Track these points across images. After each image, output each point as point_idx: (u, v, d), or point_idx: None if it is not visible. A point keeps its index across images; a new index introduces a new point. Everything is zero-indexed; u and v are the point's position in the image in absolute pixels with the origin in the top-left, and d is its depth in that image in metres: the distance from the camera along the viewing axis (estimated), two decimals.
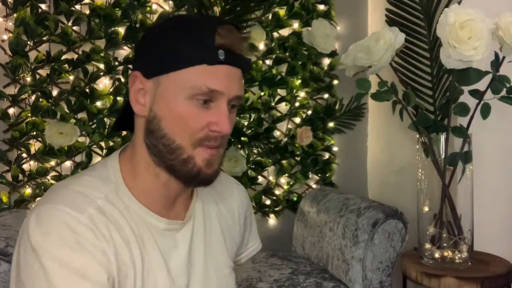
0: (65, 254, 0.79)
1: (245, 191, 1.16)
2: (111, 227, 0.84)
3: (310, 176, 2.53)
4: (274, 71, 2.40)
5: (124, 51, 2.14)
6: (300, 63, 2.44)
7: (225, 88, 0.86)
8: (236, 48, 0.87)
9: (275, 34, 2.41)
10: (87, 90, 2.07)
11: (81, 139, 2.07)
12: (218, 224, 1.04)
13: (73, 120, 2.05)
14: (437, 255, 1.78)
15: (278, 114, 2.45)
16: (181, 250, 0.93)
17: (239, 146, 2.34)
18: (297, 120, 2.48)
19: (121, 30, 2.11)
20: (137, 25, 2.12)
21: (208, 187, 0.95)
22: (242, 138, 2.34)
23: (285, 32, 2.44)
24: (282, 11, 2.40)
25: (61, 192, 0.86)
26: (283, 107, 2.46)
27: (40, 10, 2.00)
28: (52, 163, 2.05)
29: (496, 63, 1.72)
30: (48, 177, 2.04)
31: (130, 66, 2.12)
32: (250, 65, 0.91)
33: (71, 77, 2.06)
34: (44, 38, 2.01)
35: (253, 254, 1.20)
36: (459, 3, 1.84)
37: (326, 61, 2.53)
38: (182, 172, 0.88)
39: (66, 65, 2.04)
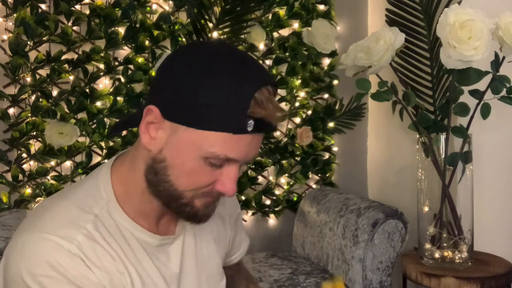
0: None
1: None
2: (101, 252, 0.82)
3: (310, 176, 2.53)
4: (274, 71, 2.40)
5: (124, 51, 2.14)
6: (300, 63, 2.44)
7: (244, 156, 0.82)
8: (269, 120, 0.80)
9: (275, 34, 2.41)
10: (87, 90, 2.07)
11: (81, 139, 2.07)
12: (209, 233, 1.02)
13: (73, 120, 2.05)
14: (437, 255, 1.78)
15: None
16: (173, 262, 0.93)
17: None
18: (297, 120, 2.48)
19: (121, 30, 2.11)
20: (137, 25, 2.12)
21: None
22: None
23: (285, 32, 2.44)
24: (282, 11, 2.40)
25: (47, 216, 0.83)
26: (283, 107, 2.46)
27: (40, 10, 2.00)
28: (52, 163, 2.05)
29: (496, 63, 1.71)
30: (48, 177, 2.04)
31: (131, 66, 2.12)
32: (275, 128, 0.85)
33: (71, 77, 2.06)
34: (44, 38, 2.01)
35: (244, 253, 1.20)
36: (459, 3, 1.84)
37: (326, 61, 2.53)
38: (178, 210, 0.86)
39: (66, 65, 2.04)
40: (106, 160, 2.10)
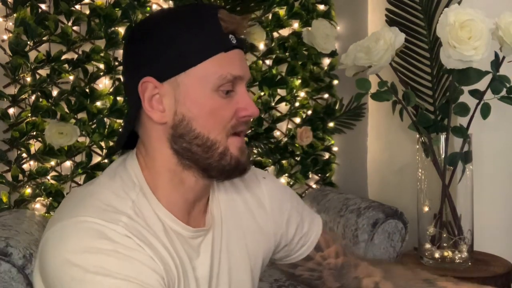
0: (113, 265, 0.74)
1: (277, 185, 1.07)
2: (146, 233, 0.80)
3: (310, 176, 2.53)
4: (274, 71, 2.40)
5: None
6: (300, 63, 2.44)
7: (244, 71, 0.86)
8: (241, 31, 0.87)
9: (275, 34, 2.41)
10: (87, 90, 2.07)
11: (81, 139, 2.07)
12: (240, 227, 0.97)
13: (73, 120, 2.05)
14: (437, 255, 1.78)
15: (278, 114, 2.45)
16: (202, 260, 0.88)
17: None
18: (297, 120, 2.48)
19: (121, 30, 2.11)
20: None
21: (232, 187, 0.96)
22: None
23: (285, 32, 2.44)
24: (282, 11, 2.40)
25: (85, 204, 0.80)
26: (283, 107, 2.46)
27: (40, 10, 1.99)
28: (52, 163, 2.05)
29: (496, 63, 1.71)
30: (48, 177, 2.04)
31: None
32: (246, 45, 0.94)
33: (71, 77, 2.06)
34: (44, 38, 2.01)
35: (320, 233, 1.08)
36: (459, 3, 1.84)
37: (326, 61, 2.53)
38: (219, 167, 0.85)
39: (66, 65, 2.04)
40: (106, 160, 2.10)
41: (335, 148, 2.59)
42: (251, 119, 0.87)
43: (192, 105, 0.82)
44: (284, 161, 2.45)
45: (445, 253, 1.78)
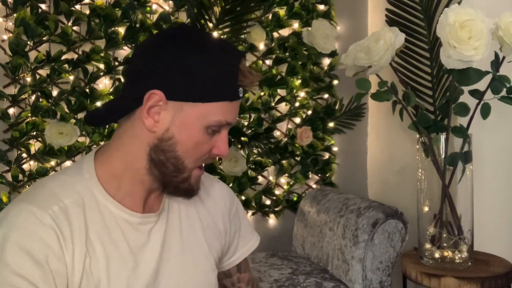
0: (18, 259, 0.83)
1: (228, 188, 1.17)
2: (80, 223, 0.88)
3: (310, 176, 2.53)
4: (274, 71, 2.40)
5: (124, 51, 2.14)
6: (300, 63, 2.44)
7: (235, 119, 0.95)
8: (251, 87, 0.96)
9: (275, 34, 2.41)
10: (87, 90, 2.07)
11: (81, 139, 2.07)
12: (199, 222, 1.05)
13: (73, 120, 2.05)
14: (437, 255, 1.78)
15: (278, 114, 2.45)
16: (153, 245, 0.95)
17: (239, 146, 2.34)
18: (297, 120, 2.49)
19: (121, 30, 2.11)
20: (137, 25, 2.12)
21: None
22: (242, 138, 2.34)
23: (285, 32, 2.44)
24: (282, 11, 2.40)
25: (32, 192, 0.92)
26: (283, 107, 2.46)
27: (40, 10, 2.00)
28: (52, 163, 2.05)
29: (496, 63, 1.71)
30: None
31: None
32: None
33: (71, 77, 2.06)
34: (44, 38, 2.01)
35: (251, 251, 1.19)
36: (459, 3, 1.84)
37: (326, 61, 2.53)
38: (176, 187, 0.95)
39: (66, 65, 2.04)
40: None
41: (335, 148, 2.59)
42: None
43: (184, 131, 0.91)
44: (284, 161, 2.46)
45: (445, 253, 1.78)
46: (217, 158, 1.03)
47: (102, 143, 2.10)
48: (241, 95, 0.93)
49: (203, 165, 0.99)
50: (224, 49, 0.93)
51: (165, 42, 0.92)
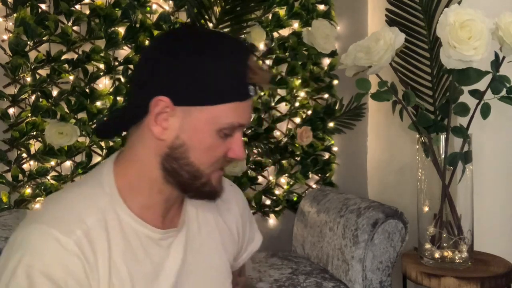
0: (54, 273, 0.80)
1: (240, 191, 1.16)
2: (96, 251, 0.84)
3: (310, 176, 2.53)
4: (274, 71, 2.40)
5: (124, 51, 2.14)
6: (300, 63, 2.44)
7: (248, 119, 0.91)
8: (262, 84, 0.91)
9: (275, 34, 2.41)
10: (87, 90, 2.07)
11: (81, 139, 2.07)
12: (216, 228, 1.03)
13: (73, 120, 2.05)
14: (437, 255, 1.78)
15: (278, 114, 2.45)
16: (173, 259, 0.93)
17: None
18: (297, 120, 2.48)
19: (121, 30, 2.11)
20: (137, 25, 2.12)
21: None
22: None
23: (285, 32, 2.44)
24: (282, 11, 2.40)
25: (50, 210, 0.87)
26: (283, 107, 2.46)
27: (40, 10, 2.00)
28: (52, 163, 2.05)
29: (496, 63, 1.71)
30: (48, 177, 2.04)
31: (131, 66, 2.12)
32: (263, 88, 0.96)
33: (71, 77, 2.06)
34: (44, 38, 2.01)
35: (253, 252, 1.18)
36: (459, 3, 1.84)
37: (326, 61, 2.53)
38: (198, 191, 0.92)
39: (66, 65, 2.04)
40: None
41: (335, 148, 2.59)
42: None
43: (194, 136, 0.87)
44: (284, 161, 2.46)
45: (445, 253, 1.78)
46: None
47: (102, 143, 2.10)
48: (252, 93, 0.88)
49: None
50: (230, 46, 0.88)
51: (166, 45, 0.88)
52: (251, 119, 0.94)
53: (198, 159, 0.88)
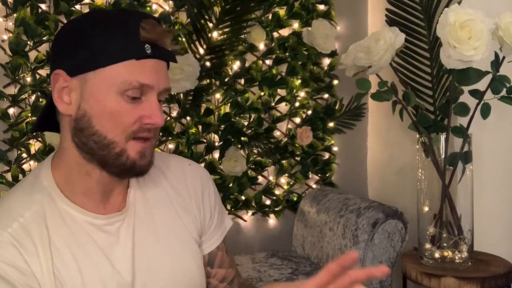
0: None
1: (200, 169, 1.10)
2: (35, 240, 0.86)
3: (310, 176, 2.53)
4: (274, 71, 2.40)
5: None
6: (300, 63, 2.44)
7: (155, 81, 0.87)
8: (161, 42, 0.88)
9: (275, 34, 2.41)
10: None
11: None
12: (172, 208, 1.00)
13: None
14: (437, 255, 1.78)
15: (278, 114, 2.45)
16: (123, 243, 0.92)
17: (239, 146, 2.34)
18: (297, 120, 2.48)
19: None
20: None
21: (159, 172, 1.00)
22: (242, 138, 2.34)
23: (285, 32, 2.44)
24: (282, 11, 2.40)
25: None
26: (283, 107, 2.46)
27: (40, 10, 2.00)
28: None
29: (496, 63, 1.72)
30: None
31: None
32: (174, 57, 0.93)
33: None
34: (44, 38, 2.01)
35: (217, 244, 1.09)
36: (459, 3, 1.84)
37: (326, 61, 2.53)
38: (115, 165, 0.88)
39: None
40: None
41: (335, 148, 2.59)
42: (154, 128, 0.90)
43: (94, 103, 0.86)
44: (284, 161, 2.45)
45: (445, 253, 1.78)
46: (159, 131, 0.98)
47: None
48: (149, 51, 0.86)
49: (149, 136, 0.90)
50: (123, 14, 0.92)
51: (64, 26, 0.94)
52: (167, 82, 0.90)
53: (103, 126, 0.86)
